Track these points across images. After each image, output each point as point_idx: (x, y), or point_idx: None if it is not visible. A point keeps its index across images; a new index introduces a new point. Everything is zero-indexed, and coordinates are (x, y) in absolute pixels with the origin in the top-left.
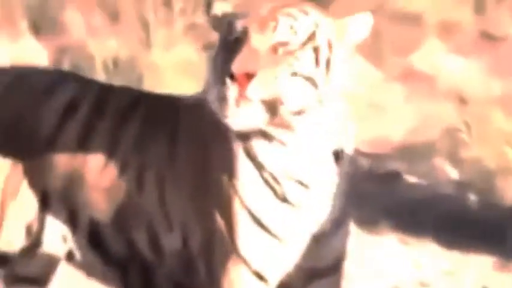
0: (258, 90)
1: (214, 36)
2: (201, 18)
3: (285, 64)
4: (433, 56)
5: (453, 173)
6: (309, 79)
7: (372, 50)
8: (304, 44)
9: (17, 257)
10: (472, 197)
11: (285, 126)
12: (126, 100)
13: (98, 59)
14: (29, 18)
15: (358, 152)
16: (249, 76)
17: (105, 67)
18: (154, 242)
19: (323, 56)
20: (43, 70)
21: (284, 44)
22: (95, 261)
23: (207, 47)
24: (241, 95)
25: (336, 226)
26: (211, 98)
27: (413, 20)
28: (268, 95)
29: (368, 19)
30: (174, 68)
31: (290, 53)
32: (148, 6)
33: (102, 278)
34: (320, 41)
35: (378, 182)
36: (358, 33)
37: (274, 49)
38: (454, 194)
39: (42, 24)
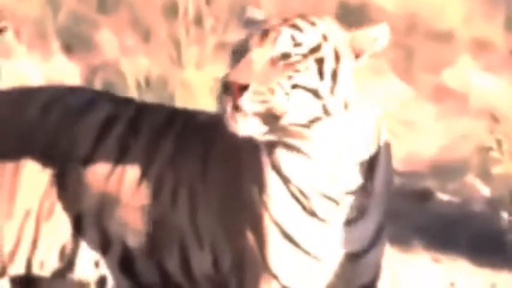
0: (251, 102)
1: None
2: (231, 37)
3: (284, 77)
4: (464, 74)
5: (485, 191)
6: (312, 91)
7: (404, 67)
8: (306, 56)
9: (49, 280)
10: (505, 215)
11: (300, 136)
12: (161, 117)
13: (130, 78)
14: (61, 37)
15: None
16: (242, 88)
17: (138, 85)
18: (185, 264)
19: (328, 67)
20: (78, 89)
21: (285, 55)
22: (126, 285)
23: None
24: (235, 107)
25: (372, 243)
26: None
27: (445, 37)
28: (262, 108)
29: (385, 30)
30: (205, 86)
31: (290, 65)
32: (179, 25)
33: None
34: (325, 52)
35: (410, 200)
36: (376, 43)
37: (273, 62)
38: (486, 211)
39: (74, 44)
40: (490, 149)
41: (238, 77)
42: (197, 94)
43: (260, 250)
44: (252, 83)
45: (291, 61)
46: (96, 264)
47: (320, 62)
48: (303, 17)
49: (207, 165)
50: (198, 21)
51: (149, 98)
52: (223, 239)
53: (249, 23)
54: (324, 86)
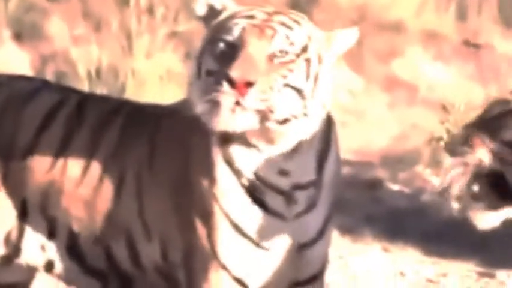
0: (256, 99)
1: (197, 44)
2: (183, 27)
3: (279, 75)
4: (415, 64)
5: (435, 181)
6: (299, 91)
7: (354, 57)
8: (298, 55)
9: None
10: (455, 205)
11: (265, 133)
12: (105, 108)
13: (80, 67)
14: (11, 26)
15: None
16: (248, 84)
17: (88, 75)
18: (133, 254)
19: (313, 68)
20: (24, 78)
21: (282, 53)
22: (74, 272)
23: (189, 55)
24: (239, 103)
25: (319, 235)
26: (194, 98)
27: (395, 28)
28: (263, 105)
29: (355, 33)
30: (155, 75)
31: (284, 64)
32: (131, 14)
33: (81, 287)
34: (311, 53)
35: (360, 190)
36: (344, 45)
37: (271, 58)
38: (437, 201)
39: (25, 33)
40: (440, 139)
41: (245, 73)
42: (148, 83)
43: (210, 241)
44: (259, 80)
45: (286, 60)
46: (43, 249)
47: (308, 62)
48: (286, 14)
49: (153, 156)
50: (150, 10)
51: (100, 87)
52: (173, 231)
53: (208, 13)
54: (308, 87)
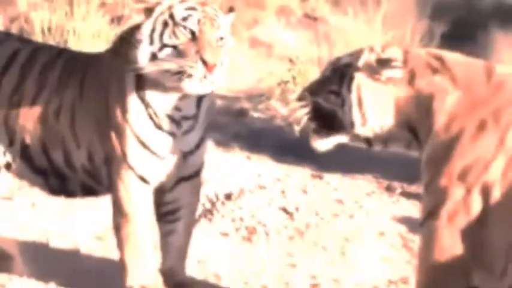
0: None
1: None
2: None
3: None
4: (272, 30)
5: (283, 111)
6: (223, 64)
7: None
8: (222, 38)
9: None
10: (296, 128)
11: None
12: (51, 54)
13: (36, 26)
14: None
15: (216, 95)
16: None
17: (42, 32)
18: (67, 159)
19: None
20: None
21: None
22: (25, 170)
23: (114, 20)
24: (205, 77)
25: (197, 147)
26: (142, 60)
27: (259, 5)
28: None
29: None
30: (90, 34)
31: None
32: None
33: (31, 182)
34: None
35: (231, 116)
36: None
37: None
38: (284, 125)
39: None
40: (287, 82)
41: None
42: (84, 40)
43: (122, 151)
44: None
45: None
46: (4, 154)
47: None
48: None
49: (83, 90)
50: None
51: (50, 41)
52: (96, 142)
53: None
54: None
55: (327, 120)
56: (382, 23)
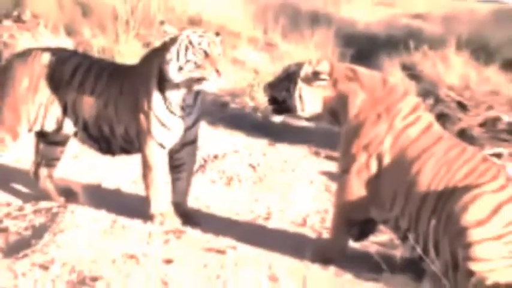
0: (222, 78)
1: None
2: None
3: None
4: (245, 52)
5: (251, 104)
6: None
7: None
8: (220, 53)
9: (51, 133)
10: (259, 114)
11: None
12: (102, 64)
13: (94, 48)
14: None
15: (207, 92)
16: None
17: (98, 52)
18: (112, 130)
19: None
20: (68, 50)
21: (219, 54)
22: (85, 138)
23: (144, 44)
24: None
25: (194, 124)
26: (179, 79)
27: (236, 35)
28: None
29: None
30: (129, 54)
31: (221, 59)
32: None
33: (88, 145)
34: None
35: (217, 106)
36: None
37: (219, 56)
38: (251, 112)
39: None
40: (254, 85)
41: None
42: (125, 57)
43: (148, 127)
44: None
45: (221, 57)
46: (73, 127)
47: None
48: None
49: (122, 89)
50: None
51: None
52: (131, 121)
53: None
54: None
55: (280, 104)
56: (314, 48)
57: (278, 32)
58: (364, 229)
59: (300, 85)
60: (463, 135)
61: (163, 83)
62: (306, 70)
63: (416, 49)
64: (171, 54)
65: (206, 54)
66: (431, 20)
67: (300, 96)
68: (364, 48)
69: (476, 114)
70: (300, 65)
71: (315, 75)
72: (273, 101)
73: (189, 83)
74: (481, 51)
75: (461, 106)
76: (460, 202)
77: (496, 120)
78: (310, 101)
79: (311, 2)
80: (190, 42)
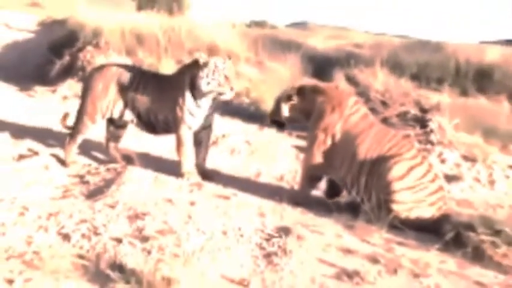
0: (234, 91)
1: (181, 58)
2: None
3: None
4: (242, 67)
5: (247, 101)
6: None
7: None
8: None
9: (116, 119)
10: (252, 108)
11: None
12: (150, 74)
13: (145, 65)
14: None
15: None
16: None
17: (148, 67)
18: (156, 117)
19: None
20: (128, 65)
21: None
22: (139, 124)
23: (178, 61)
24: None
25: (210, 114)
26: (207, 90)
27: (236, 57)
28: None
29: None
30: (168, 69)
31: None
32: None
33: (140, 128)
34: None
35: (224, 104)
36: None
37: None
38: (247, 108)
39: None
40: (249, 89)
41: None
42: (165, 70)
43: (181, 116)
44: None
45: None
46: (130, 115)
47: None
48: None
49: (162, 92)
50: None
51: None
52: (170, 113)
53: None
54: None
55: (278, 122)
56: (288, 65)
57: (265, 54)
58: (336, 191)
59: (279, 105)
60: (385, 122)
61: (193, 89)
62: (284, 95)
63: (355, 66)
64: (203, 73)
65: (226, 77)
66: (365, 48)
67: (282, 111)
68: (321, 66)
69: (393, 109)
70: (282, 94)
71: (289, 98)
72: (273, 122)
73: (211, 93)
74: (396, 68)
75: (384, 103)
76: (387, 165)
77: (406, 113)
78: (287, 111)
79: (287, 35)
80: (216, 67)
